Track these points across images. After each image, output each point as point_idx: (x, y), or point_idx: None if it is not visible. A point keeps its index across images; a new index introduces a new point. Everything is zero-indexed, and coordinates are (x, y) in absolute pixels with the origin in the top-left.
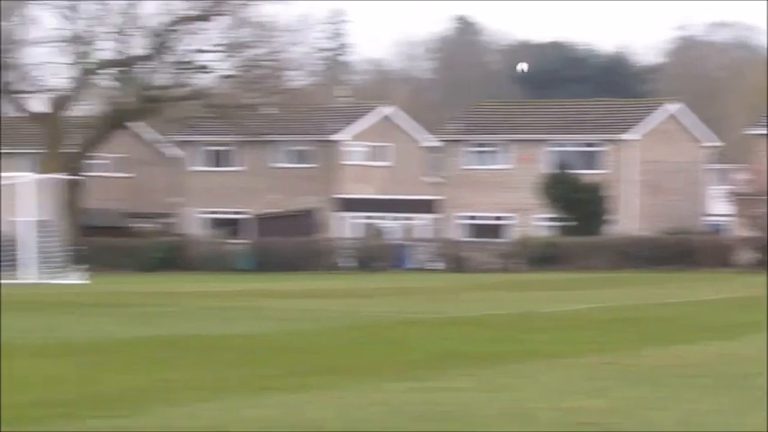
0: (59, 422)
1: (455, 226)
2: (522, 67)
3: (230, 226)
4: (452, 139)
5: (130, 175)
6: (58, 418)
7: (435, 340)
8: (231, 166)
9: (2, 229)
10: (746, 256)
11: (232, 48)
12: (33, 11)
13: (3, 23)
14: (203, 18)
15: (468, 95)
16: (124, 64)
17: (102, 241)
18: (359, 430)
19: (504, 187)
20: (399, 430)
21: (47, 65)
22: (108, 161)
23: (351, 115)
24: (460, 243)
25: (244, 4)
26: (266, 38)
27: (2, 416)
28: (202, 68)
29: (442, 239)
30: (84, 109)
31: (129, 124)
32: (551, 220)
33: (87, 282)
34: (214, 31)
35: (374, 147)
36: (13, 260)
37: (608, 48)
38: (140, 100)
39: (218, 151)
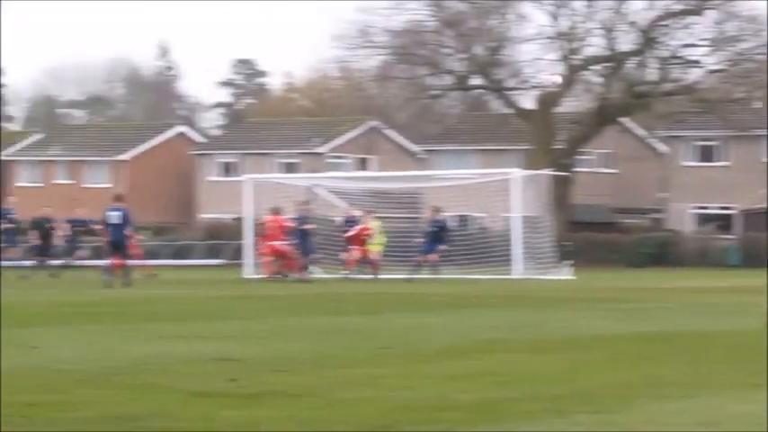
0: (548, 416)
1: None
2: None
3: (718, 221)
4: None
5: (616, 170)
6: (547, 413)
7: None
8: (718, 160)
9: (491, 225)
10: None
11: (720, 42)
12: (523, 8)
13: (494, 21)
14: (692, 12)
15: None
16: (611, 60)
17: (588, 237)
18: None
19: None
20: None
21: (536, 62)
22: (595, 157)
23: None
24: None
25: None
26: (755, 31)
27: (497, 409)
28: (693, 63)
29: None
30: (571, 105)
31: (616, 120)
32: None
33: (573, 277)
34: (701, 26)
35: None
36: (505, 256)
37: None
38: (628, 96)
39: (705, 146)
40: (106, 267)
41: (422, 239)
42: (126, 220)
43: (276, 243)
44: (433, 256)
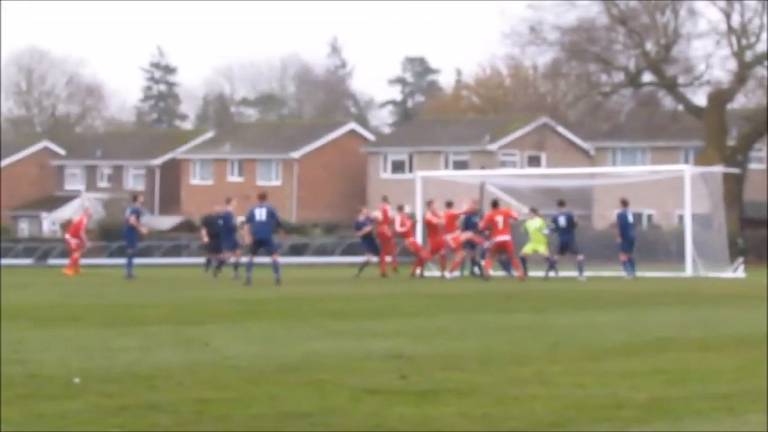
0: (720, 415)
1: None
2: None
3: None
4: None
5: None
6: (719, 412)
7: None
8: None
9: (662, 222)
10: None
11: None
12: (695, 4)
13: (666, 18)
14: None
15: None
16: None
17: (760, 234)
18: None
19: None
20: None
21: (708, 58)
22: (766, 154)
23: None
24: None
25: None
26: None
27: (670, 407)
28: None
29: None
30: (743, 101)
31: None
32: None
33: (744, 275)
34: None
35: None
36: (677, 253)
37: None
38: None
39: None
40: (249, 264)
41: (619, 238)
42: (272, 218)
43: (450, 236)
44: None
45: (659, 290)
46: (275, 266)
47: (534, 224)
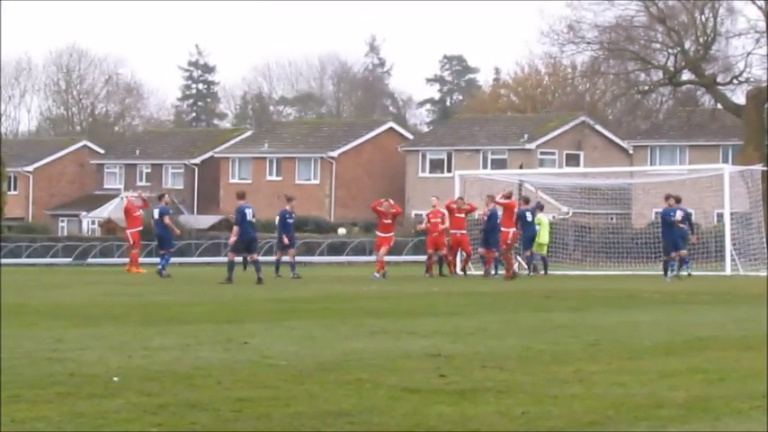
0: (759, 414)
1: None
2: None
3: None
4: None
5: None
6: (758, 411)
7: None
8: None
9: (701, 221)
10: None
11: None
12: (734, 3)
13: (705, 16)
14: None
15: None
16: None
17: None
18: None
19: None
20: None
21: (747, 56)
22: None
23: None
24: None
25: None
26: None
27: (709, 407)
28: None
29: None
30: None
31: None
32: None
33: None
34: None
35: None
36: (717, 252)
37: None
38: None
39: None
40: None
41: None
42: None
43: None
44: (682, 252)
45: (698, 289)
46: (258, 266)
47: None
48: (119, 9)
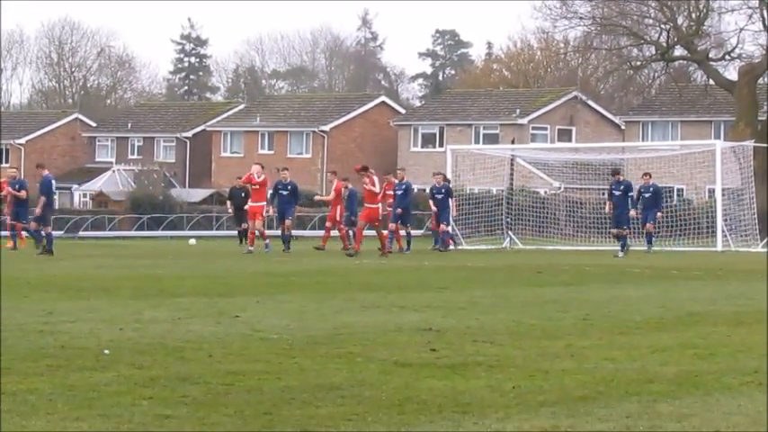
0: (750, 390)
1: None
2: None
3: None
4: None
5: None
6: (748, 386)
7: None
8: None
9: (692, 197)
10: None
11: None
12: None
13: None
14: None
15: None
16: None
17: None
18: None
19: None
20: None
21: (739, 32)
22: None
23: None
24: None
25: None
26: None
27: (699, 382)
28: None
29: None
30: None
31: None
32: None
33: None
34: None
35: None
36: (708, 228)
37: None
38: None
39: None
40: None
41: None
42: (294, 193)
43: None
44: (649, 226)
45: (690, 264)
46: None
47: None
48: None
